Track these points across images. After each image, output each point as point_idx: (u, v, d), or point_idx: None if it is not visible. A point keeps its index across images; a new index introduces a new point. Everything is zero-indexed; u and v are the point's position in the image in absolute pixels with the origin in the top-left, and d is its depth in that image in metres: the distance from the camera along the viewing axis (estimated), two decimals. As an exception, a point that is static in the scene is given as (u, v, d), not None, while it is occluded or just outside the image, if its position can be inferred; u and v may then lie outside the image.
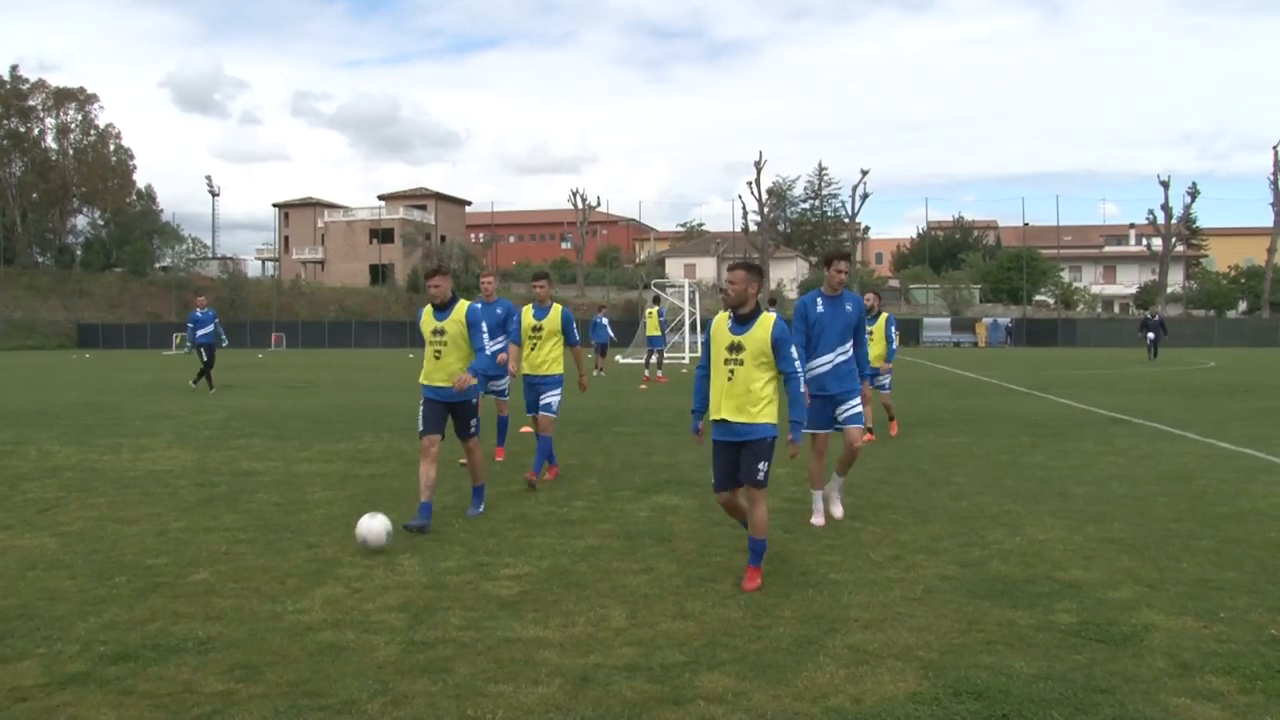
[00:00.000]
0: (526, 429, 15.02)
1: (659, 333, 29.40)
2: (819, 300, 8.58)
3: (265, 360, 49.79)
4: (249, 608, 6.26)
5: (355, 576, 6.98)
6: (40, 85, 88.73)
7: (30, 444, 14.19)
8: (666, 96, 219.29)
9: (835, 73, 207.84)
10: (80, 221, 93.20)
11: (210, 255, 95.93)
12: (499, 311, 11.92)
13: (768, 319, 6.74)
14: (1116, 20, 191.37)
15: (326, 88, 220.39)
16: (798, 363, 6.79)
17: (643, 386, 25.87)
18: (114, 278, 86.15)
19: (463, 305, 8.81)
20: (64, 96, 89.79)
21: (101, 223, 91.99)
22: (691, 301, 43.56)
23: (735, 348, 6.71)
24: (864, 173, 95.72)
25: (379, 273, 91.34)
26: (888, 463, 12.10)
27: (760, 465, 6.66)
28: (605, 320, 32.43)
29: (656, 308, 30.45)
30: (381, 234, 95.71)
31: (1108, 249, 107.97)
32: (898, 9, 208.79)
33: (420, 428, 8.70)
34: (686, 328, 42.10)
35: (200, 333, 24.80)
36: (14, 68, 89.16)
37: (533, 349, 10.89)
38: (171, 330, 72.06)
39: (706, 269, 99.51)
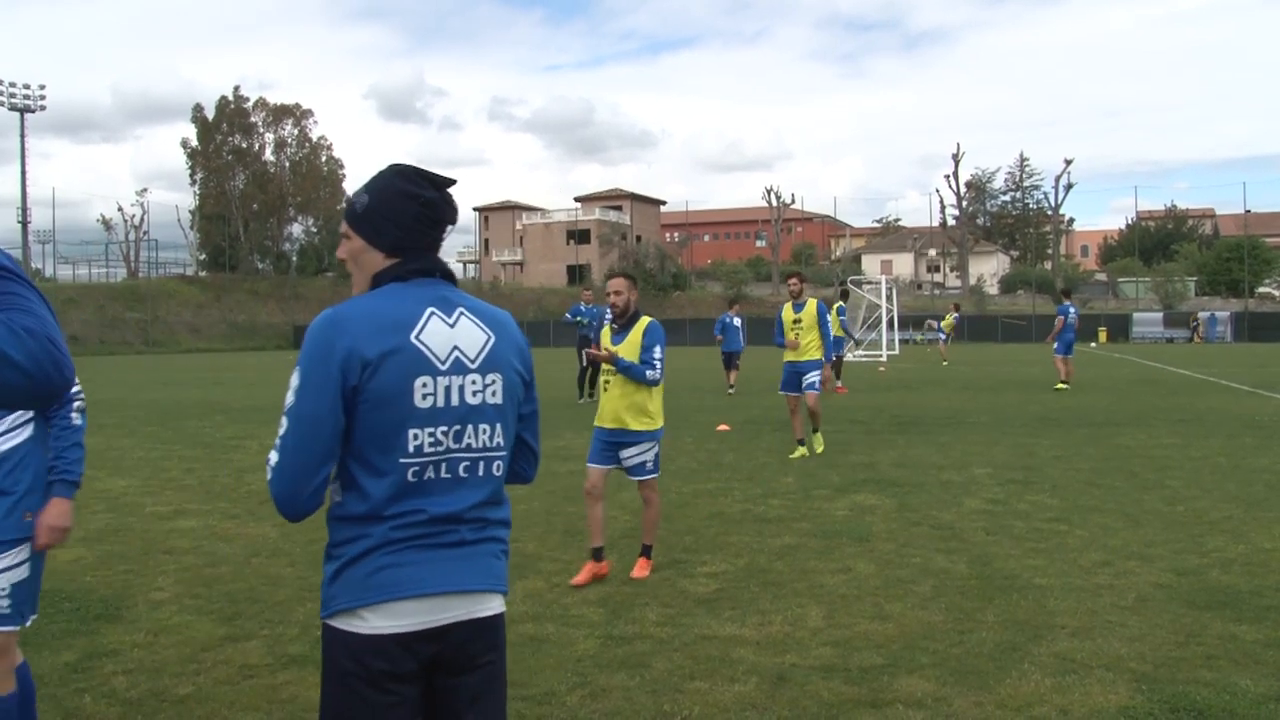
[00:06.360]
0: (723, 427, 15.02)
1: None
2: None
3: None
4: (454, 598, 6.48)
5: (555, 571, 7.14)
6: (261, 104, 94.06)
7: (253, 439, 15.06)
8: (861, 91, 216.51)
9: (1037, 58, 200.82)
10: (295, 229, 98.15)
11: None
12: None
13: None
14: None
15: (522, 93, 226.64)
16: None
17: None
18: (326, 282, 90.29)
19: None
20: (282, 113, 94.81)
21: (314, 230, 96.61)
22: (889, 299, 42.99)
23: None
24: (1068, 162, 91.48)
25: (576, 273, 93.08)
26: (1095, 464, 11.59)
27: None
28: (736, 320, 23.71)
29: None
30: (578, 235, 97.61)
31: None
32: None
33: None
34: (884, 325, 41.56)
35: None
36: (236, 88, 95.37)
37: None
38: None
39: (904, 265, 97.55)
